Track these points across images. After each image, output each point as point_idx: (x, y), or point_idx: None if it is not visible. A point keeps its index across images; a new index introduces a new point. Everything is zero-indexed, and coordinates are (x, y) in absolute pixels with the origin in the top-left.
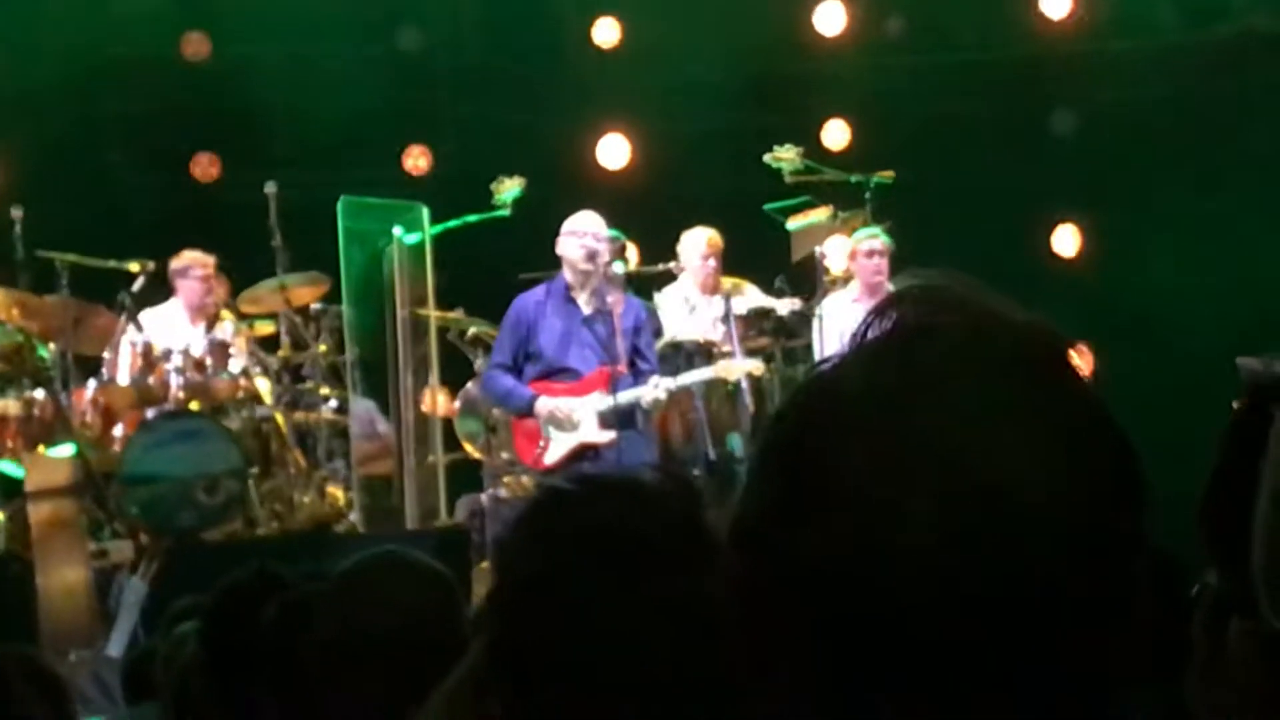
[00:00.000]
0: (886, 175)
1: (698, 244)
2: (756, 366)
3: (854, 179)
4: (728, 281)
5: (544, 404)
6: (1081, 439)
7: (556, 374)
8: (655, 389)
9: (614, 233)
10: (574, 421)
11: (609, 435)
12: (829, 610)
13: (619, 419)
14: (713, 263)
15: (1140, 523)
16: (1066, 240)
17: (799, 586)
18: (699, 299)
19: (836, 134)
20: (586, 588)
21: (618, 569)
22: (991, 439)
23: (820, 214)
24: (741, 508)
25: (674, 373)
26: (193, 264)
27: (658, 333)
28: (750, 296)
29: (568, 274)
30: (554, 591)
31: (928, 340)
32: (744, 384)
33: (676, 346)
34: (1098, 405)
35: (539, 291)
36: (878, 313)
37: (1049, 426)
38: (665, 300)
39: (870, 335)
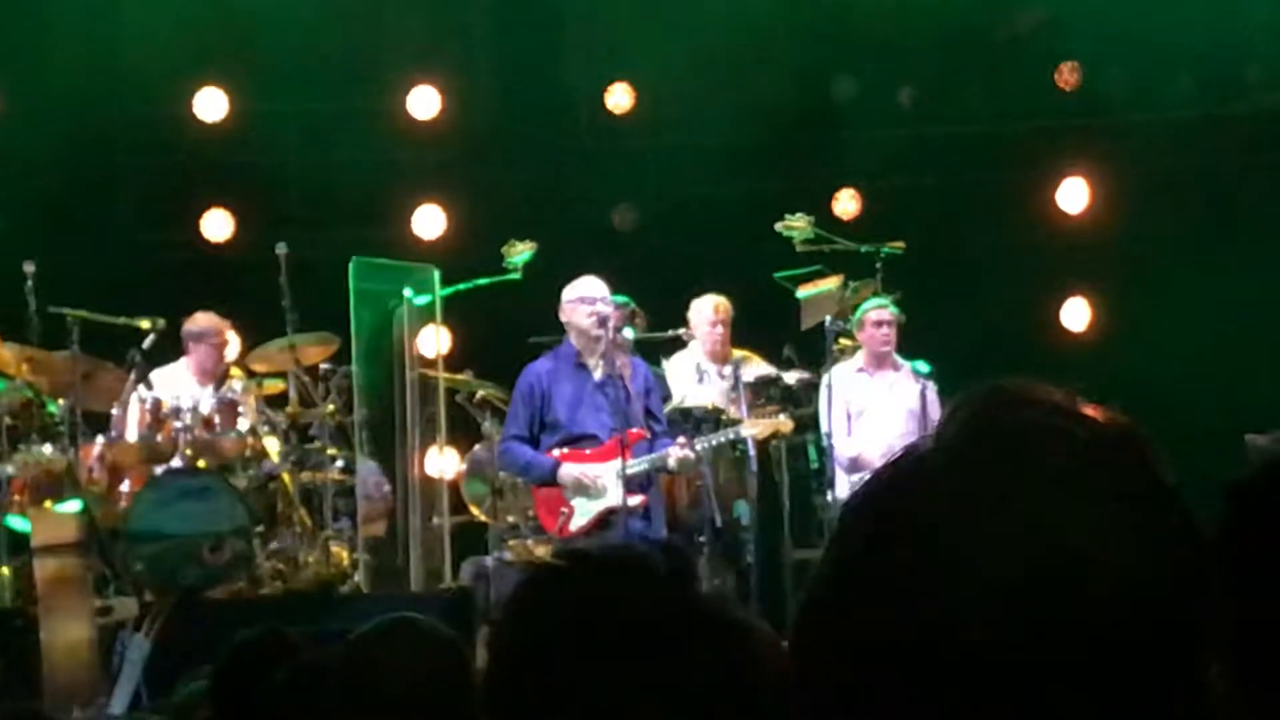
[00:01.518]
0: (897, 246)
1: (706, 310)
2: (785, 425)
3: (864, 249)
4: (736, 351)
5: (568, 471)
6: (1157, 522)
7: (574, 441)
8: (683, 449)
9: (623, 299)
10: (600, 488)
11: (634, 499)
12: (908, 676)
13: (641, 484)
14: (720, 330)
15: (1207, 605)
16: (1076, 313)
17: (879, 653)
18: (708, 366)
19: (847, 203)
20: (575, 668)
21: (607, 648)
22: (1075, 515)
23: (830, 283)
24: (818, 574)
25: (685, 438)
26: (209, 330)
27: (665, 398)
28: (757, 366)
29: (575, 340)
30: (543, 672)
31: (1016, 420)
32: (752, 451)
33: (686, 413)
34: (1172, 491)
35: (546, 360)
36: (956, 406)
37: (1128, 507)
38: (674, 367)
39: (949, 426)
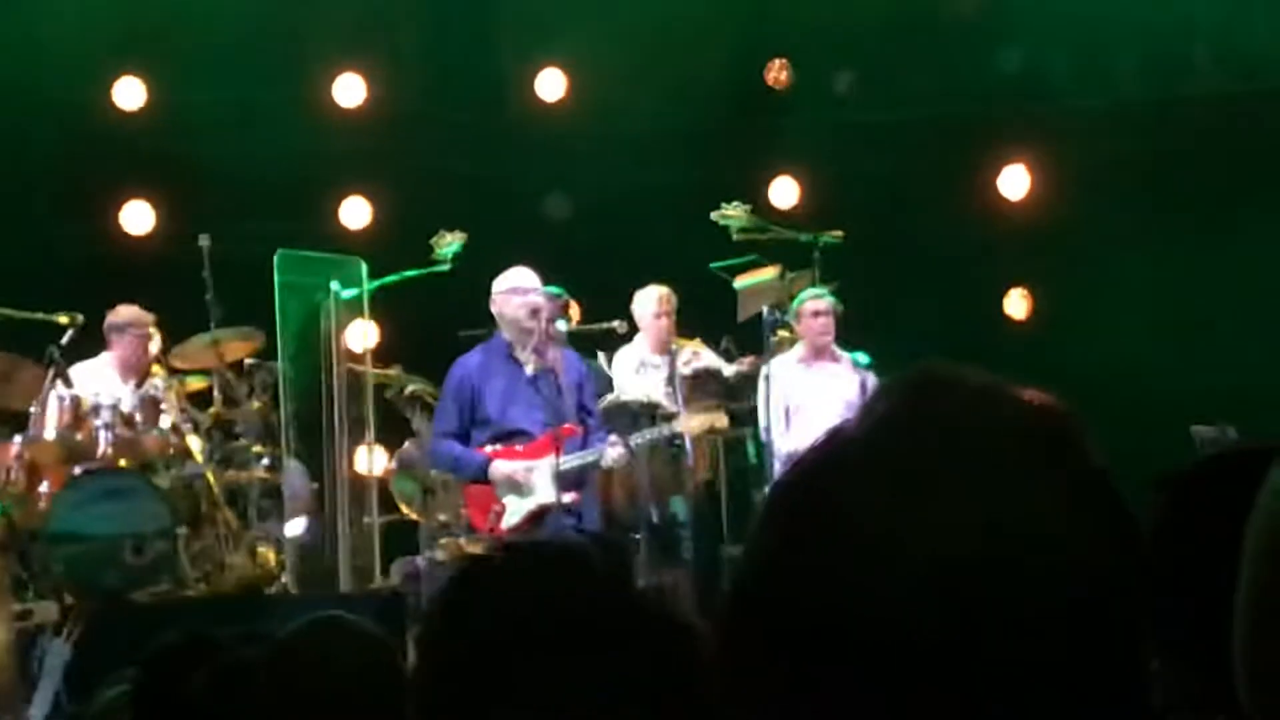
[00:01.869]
0: (835, 235)
1: (650, 302)
2: (720, 420)
3: (803, 238)
4: (686, 342)
5: (499, 468)
6: (1084, 502)
7: (505, 436)
8: (616, 447)
9: (556, 290)
10: (531, 485)
11: (568, 497)
12: (838, 666)
13: (575, 480)
14: (665, 320)
15: (1141, 585)
16: (1017, 303)
17: (798, 639)
18: (651, 358)
19: (785, 191)
20: (508, 665)
21: (541, 645)
22: (997, 497)
23: (768, 273)
24: (744, 564)
25: (619, 433)
26: (133, 322)
27: (600, 393)
28: (705, 357)
29: (507, 333)
30: (475, 669)
31: (943, 402)
32: (688, 446)
33: (622, 406)
34: (1103, 473)
35: (476, 354)
36: (884, 390)
37: (1058, 487)
38: (620, 361)
39: (875, 410)
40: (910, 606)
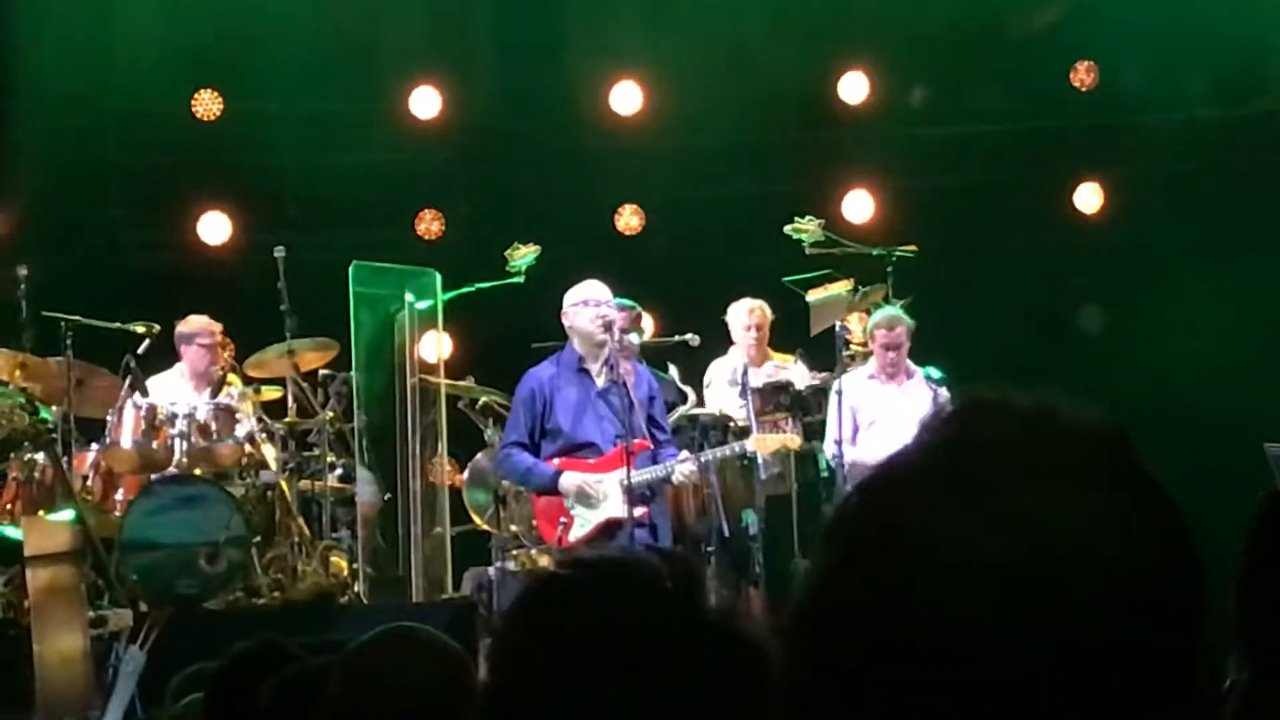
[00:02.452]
0: (909, 249)
1: (741, 315)
2: (793, 441)
3: (875, 252)
4: (781, 356)
5: (569, 480)
6: (1141, 515)
7: (575, 449)
8: (687, 463)
9: (628, 301)
10: (600, 497)
11: (637, 510)
12: (883, 681)
13: (644, 494)
14: (755, 334)
15: (1197, 601)
16: (1092, 317)
17: (870, 661)
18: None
19: (858, 205)
20: (577, 680)
21: (610, 661)
22: (1057, 510)
23: (840, 287)
24: (805, 583)
25: (690, 447)
26: (199, 331)
27: (671, 405)
28: (796, 372)
29: (579, 346)
30: (545, 683)
31: (986, 425)
32: (760, 458)
33: (693, 420)
34: (1156, 485)
35: (548, 366)
36: (936, 414)
37: (1110, 501)
38: (713, 372)
39: (929, 433)
40: (965, 624)
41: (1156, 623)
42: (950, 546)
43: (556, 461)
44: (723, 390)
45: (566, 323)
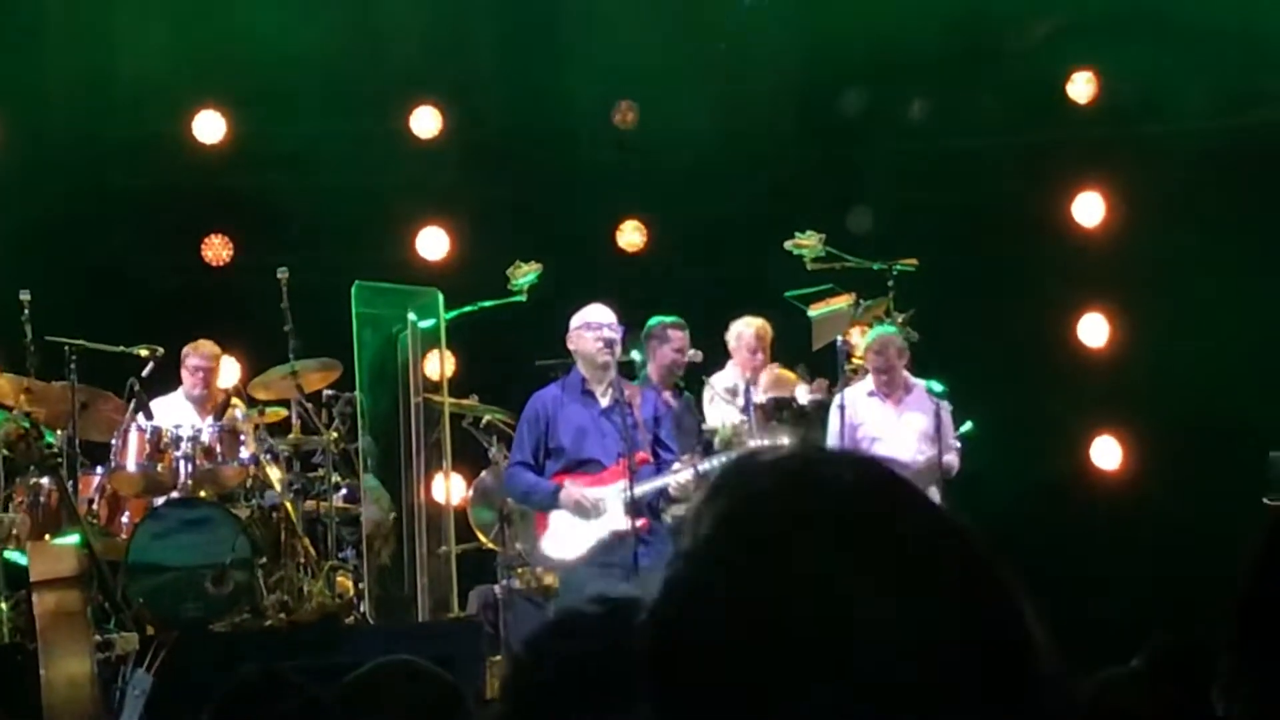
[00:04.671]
0: (910, 262)
1: (744, 334)
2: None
3: (876, 266)
4: (784, 374)
5: (569, 493)
6: (918, 559)
7: (578, 466)
8: (679, 473)
9: (674, 319)
10: (600, 510)
11: (637, 523)
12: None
13: (645, 509)
14: (760, 355)
15: (1006, 626)
16: (1094, 328)
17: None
18: (737, 387)
19: (858, 220)
20: (586, 714)
21: (622, 696)
22: (831, 583)
23: (842, 302)
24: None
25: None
26: (188, 353)
27: (699, 423)
28: (800, 391)
29: (582, 368)
30: (553, 713)
31: (751, 514)
32: None
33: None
34: (936, 524)
35: (554, 387)
36: (708, 495)
37: (883, 555)
38: (712, 387)
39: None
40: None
41: (955, 661)
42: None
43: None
44: (722, 406)
45: (571, 346)
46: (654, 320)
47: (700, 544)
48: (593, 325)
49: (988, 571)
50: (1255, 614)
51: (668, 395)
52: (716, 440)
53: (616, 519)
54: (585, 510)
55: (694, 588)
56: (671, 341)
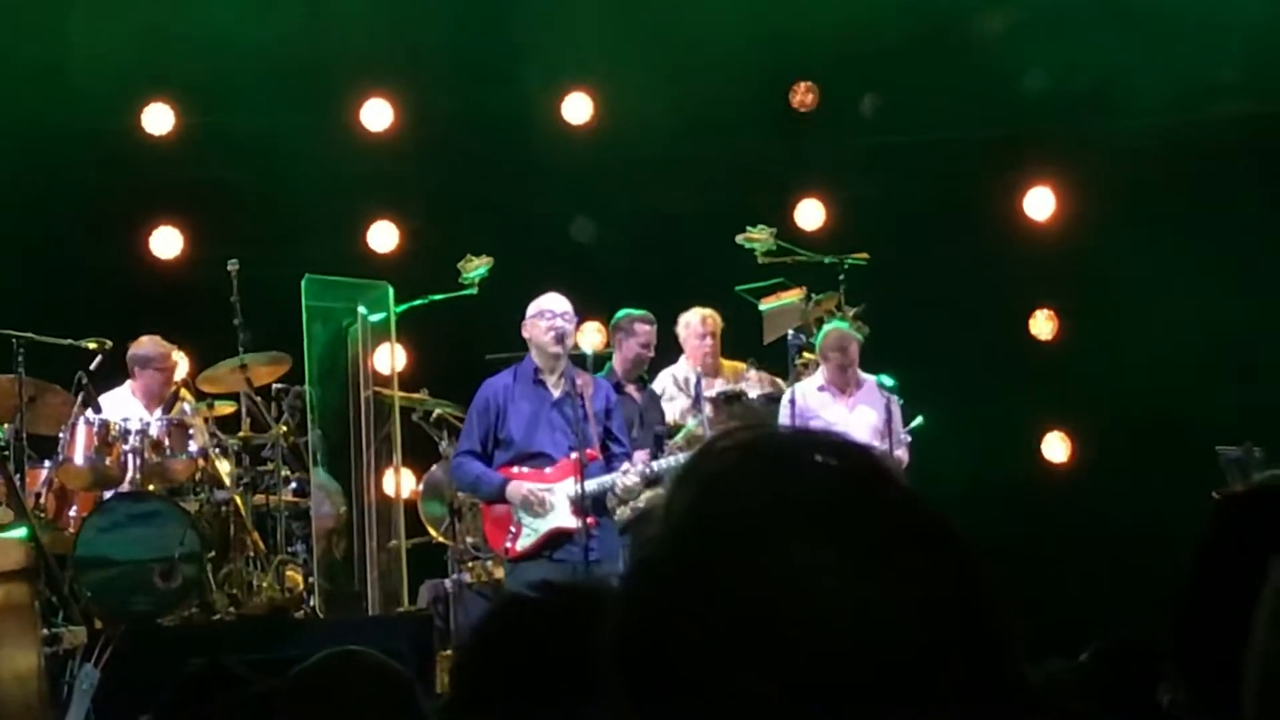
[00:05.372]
0: (860, 257)
1: (695, 323)
2: None
3: (828, 260)
4: (729, 365)
5: (515, 489)
6: (899, 546)
7: (527, 459)
8: (627, 475)
9: (642, 312)
10: (548, 507)
11: (585, 519)
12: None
13: (592, 505)
14: (710, 342)
15: (986, 610)
16: (1043, 324)
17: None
18: (686, 379)
19: (810, 214)
20: (538, 704)
21: (572, 683)
22: (806, 569)
23: (793, 296)
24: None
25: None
26: (154, 355)
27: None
28: (751, 381)
29: (535, 357)
30: (504, 704)
31: (723, 499)
32: None
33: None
34: (909, 508)
35: (506, 375)
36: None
37: (855, 540)
38: (665, 381)
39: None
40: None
41: (931, 641)
42: (714, 630)
43: (512, 470)
44: (674, 400)
45: (525, 334)
46: (621, 313)
47: (671, 530)
48: (546, 314)
49: (968, 559)
50: (1194, 606)
51: (632, 389)
52: (680, 438)
53: (563, 515)
54: (532, 506)
55: (664, 575)
56: (637, 335)
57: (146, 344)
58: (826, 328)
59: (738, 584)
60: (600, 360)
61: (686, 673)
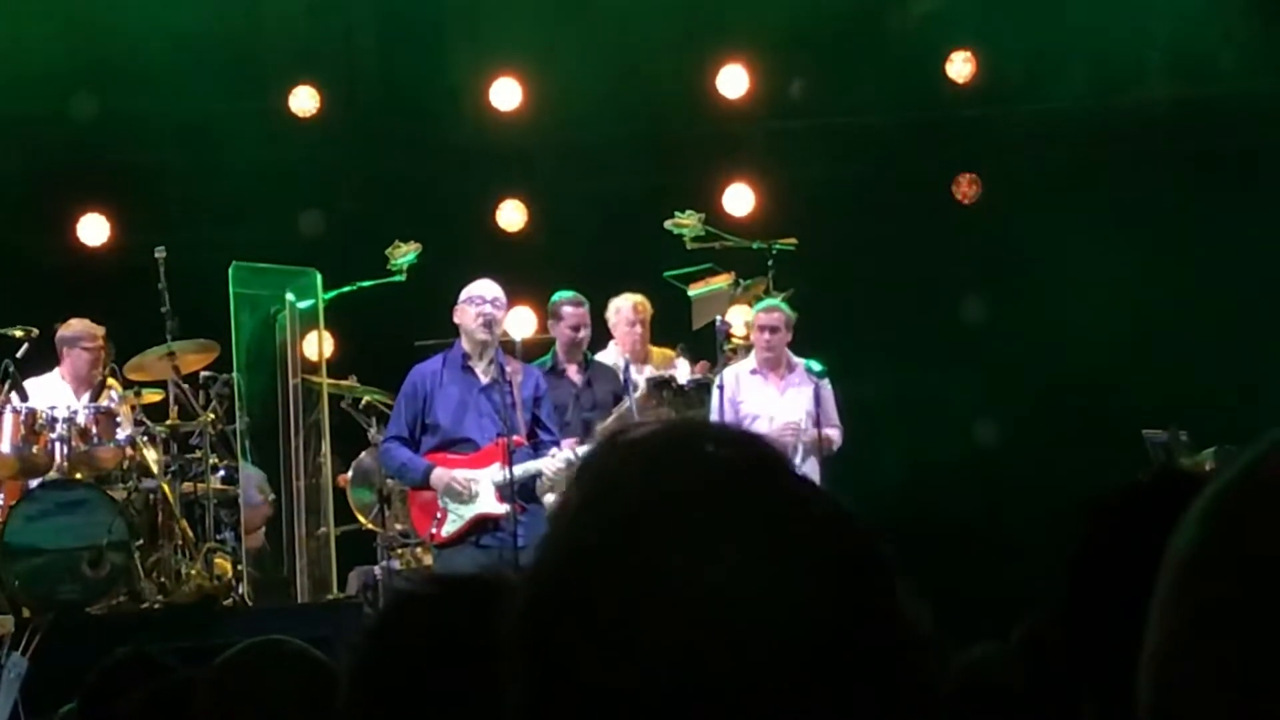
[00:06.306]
0: (789, 242)
1: (625, 310)
2: None
3: (756, 245)
4: (665, 351)
5: (441, 475)
6: (790, 537)
7: (454, 445)
8: (555, 459)
9: (570, 294)
10: (472, 493)
11: (507, 507)
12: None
13: (519, 491)
14: (639, 329)
15: (882, 600)
16: (973, 307)
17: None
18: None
19: (739, 199)
20: (433, 697)
21: (465, 676)
22: (696, 562)
23: (721, 281)
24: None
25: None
26: (82, 335)
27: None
28: (680, 368)
29: (465, 343)
30: (400, 703)
31: (614, 494)
32: None
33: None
34: (803, 497)
35: (436, 361)
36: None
37: (745, 530)
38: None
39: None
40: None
41: (816, 663)
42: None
43: (438, 455)
44: None
45: (455, 320)
46: (555, 297)
47: (565, 523)
48: (475, 300)
49: (867, 549)
50: (1082, 586)
51: (572, 370)
52: (609, 424)
53: (489, 501)
54: (457, 492)
55: (558, 571)
56: (565, 319)
57: (74, 324)
58: (759, 305)
59: (626, 578)
60: (541, 346)
61: (583, 665)
